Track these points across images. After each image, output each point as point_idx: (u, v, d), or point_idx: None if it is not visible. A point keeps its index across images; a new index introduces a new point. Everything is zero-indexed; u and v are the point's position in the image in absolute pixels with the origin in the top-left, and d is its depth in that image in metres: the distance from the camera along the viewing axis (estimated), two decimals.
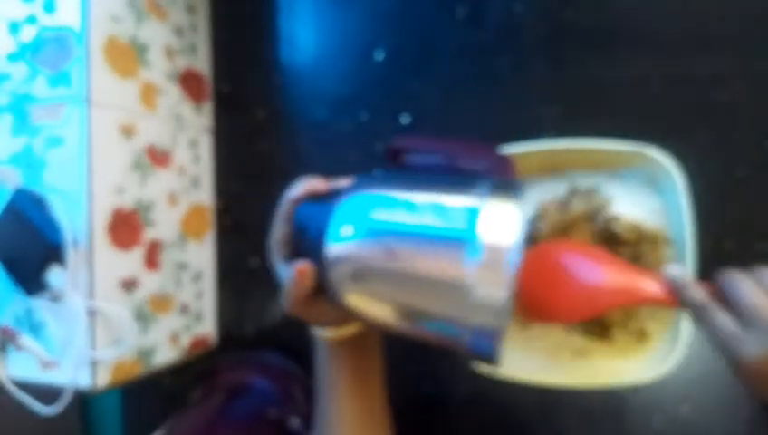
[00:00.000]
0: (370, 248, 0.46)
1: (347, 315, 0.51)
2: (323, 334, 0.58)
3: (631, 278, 0.57)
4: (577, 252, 0.61)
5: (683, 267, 0.59)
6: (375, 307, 0.48)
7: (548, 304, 0.61)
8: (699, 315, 0.51)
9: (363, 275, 0.47)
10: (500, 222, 0.42)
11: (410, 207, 0.46)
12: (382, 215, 0.47)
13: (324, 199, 0.52)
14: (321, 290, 0.50)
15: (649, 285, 0.56)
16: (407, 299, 0.46)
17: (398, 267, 0.45)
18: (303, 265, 0.50)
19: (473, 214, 0.43)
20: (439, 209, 0.45)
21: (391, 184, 0.49)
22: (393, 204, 0.47)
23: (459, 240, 0.42)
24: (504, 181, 0.46)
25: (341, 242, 0.48)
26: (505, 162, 0.51)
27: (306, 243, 0.51)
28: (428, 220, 0.45)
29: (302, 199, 0.55)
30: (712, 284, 0.52)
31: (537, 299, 0.62)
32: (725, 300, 0.49)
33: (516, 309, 0.63)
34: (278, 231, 0.56)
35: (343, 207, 0.49)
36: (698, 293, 0.51)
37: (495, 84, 0.77)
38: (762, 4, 0.68)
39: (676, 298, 0.53)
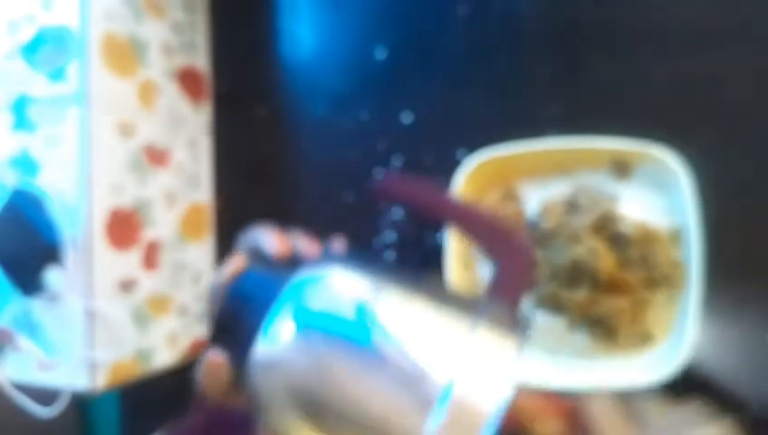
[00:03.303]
0: (304, 361, 0.35)
1: None
2: None
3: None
4: None
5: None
6: None
7: None
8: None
9: (296, 394, 0.35)
10: (483, 379, 0.32)
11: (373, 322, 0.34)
12: (334, 319, 0.35)
13: (279, 271, 0.39)
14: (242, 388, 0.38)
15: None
16: None
17: (336, 397, 0.34)
18: (216, 358, 0.39)
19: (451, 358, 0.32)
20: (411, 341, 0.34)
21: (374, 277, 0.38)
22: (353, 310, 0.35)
23: (424, 390, 0.32)
24: (507, 312, 0.36)
25: (272, 343, 0.36)
26: (518, 254, 0.41)
27: (236, 326, 0.39)
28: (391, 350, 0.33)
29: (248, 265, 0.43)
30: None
31: None
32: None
33: None
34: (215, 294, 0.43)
35: (292, 291, 0.37)
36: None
37: (498, 83, 0.75)
38: (765, 2, 0.66)
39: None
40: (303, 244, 0.42)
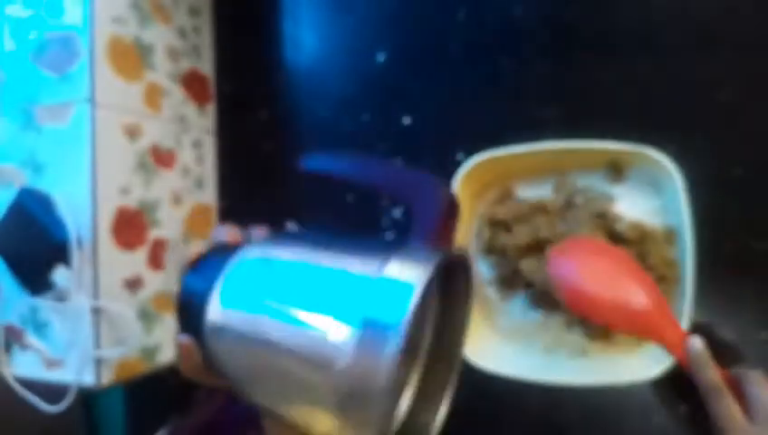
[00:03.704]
0: (245, 321, 0.39)
1: None
2: None
3: (661, 322, 0.58)
4: (627, 265, 0.61)
5: (702, 343, 0.58)
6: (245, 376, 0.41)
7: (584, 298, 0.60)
8: (711, 396, 0.52)
9: (236, 345, 0.40)
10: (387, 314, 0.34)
11: (301, 278, 0.39)
12: (265, 285, 0.40)
13: (226, 255, 0.43)
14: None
15: (672, 340, 0.57)
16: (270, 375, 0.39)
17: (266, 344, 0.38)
18: (185, 340, 0.43)
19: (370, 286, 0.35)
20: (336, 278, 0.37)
21: (292, 247, 0.42)
22: (283, 274, 0.40)
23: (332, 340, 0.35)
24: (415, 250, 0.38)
25: (221, 311, 0.40)
26: (430, 189, 0.43)
27: (192, 308, 0.43)
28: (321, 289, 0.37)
29: (201, 256, 0.46)
30: (728, 372, 0.53)
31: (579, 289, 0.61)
32: (739, 391, 0.51)
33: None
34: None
35: (234, 270, 0.42)
36: (715, 375, 0.52)
37: (496, 86, 0.76)
38: (758, 6, 0.66)
39: (692, 369, 0.55)
40: (254, 232, 0.47)
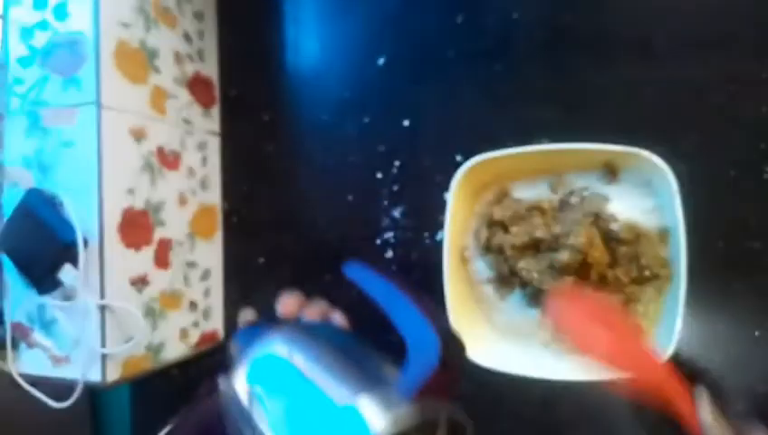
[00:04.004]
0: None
1: None
2: None
3: (670, 392, 0.57)
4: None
5: (712, 409, 0.57)
6: None
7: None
8: None
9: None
10: None
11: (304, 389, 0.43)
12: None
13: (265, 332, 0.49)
14: None
15: (683, 412, 0.56)
16: None
17: None
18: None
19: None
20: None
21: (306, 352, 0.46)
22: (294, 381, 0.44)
23: None
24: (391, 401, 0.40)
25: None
26: (428, 353, 0.43)
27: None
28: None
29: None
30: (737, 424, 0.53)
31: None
32: None
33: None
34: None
35: (260, 357, 0.47)
36: None
37: (493, 88, 0.76)
38: (749, 10, 0.67)
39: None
40: (310, 312, 0.52)
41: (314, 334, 0.49)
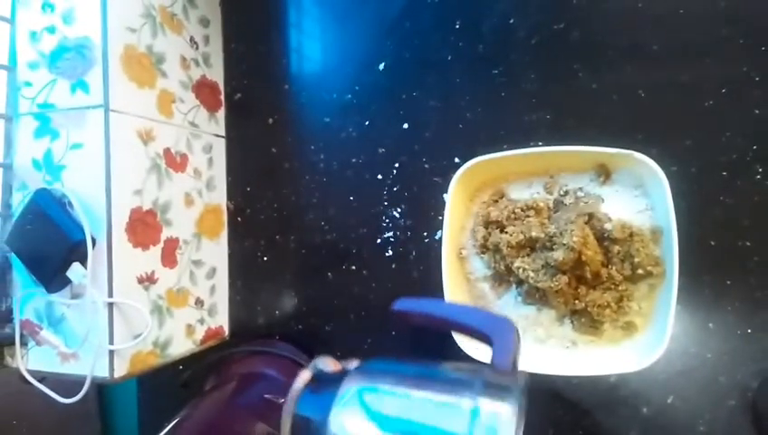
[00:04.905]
0: None
1: None
2: None
3: None
4: None
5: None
6: None
7: None
8: None
9: None
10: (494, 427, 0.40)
11: (410, 406, 0.44)
12: (384, 413, 0.44)
13: (328, 386, 0.48)
14: None
15: None
16: None
17: None
18: None
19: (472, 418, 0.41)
20: (438, 412, 0.43)
21: (393, 377, 0.47)
22: (395, 403, 0.45)
23: None
24: (500, 377, 0.44)
25: None
26: (506, 329, 0.49)
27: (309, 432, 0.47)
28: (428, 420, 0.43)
29: (305, 388, 0.51)
30: None
31: None
32: None
33: None
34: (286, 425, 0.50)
35: (345, 399, 0.46)
36: None
37: (491, 92, 0.77)
38: (735, 16, 0.68)
39: None
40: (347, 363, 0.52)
41: (382, 370, 0.50)
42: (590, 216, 0.65)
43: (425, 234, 0.78)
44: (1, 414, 0.90)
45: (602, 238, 0.65)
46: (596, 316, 0.65)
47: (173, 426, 0.71)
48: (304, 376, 0.50)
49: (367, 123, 0.83)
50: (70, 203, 0.67)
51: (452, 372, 0.47)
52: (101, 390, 0.99)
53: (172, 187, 0.78)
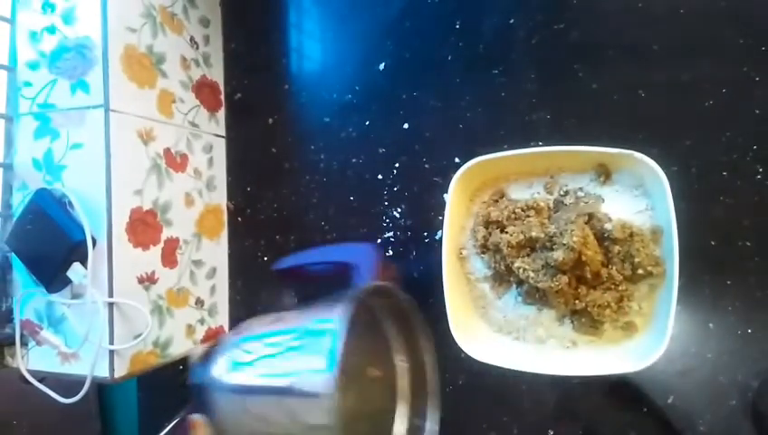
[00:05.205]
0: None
1: None
2: None
3: None
4: None
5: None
6: None
7: None
8: None
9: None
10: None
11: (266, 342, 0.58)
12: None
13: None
14: None
15: None
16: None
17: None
18: (196, 419, 0.58)
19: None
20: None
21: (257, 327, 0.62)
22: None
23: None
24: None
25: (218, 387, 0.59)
26: (367, 254, 0.64)
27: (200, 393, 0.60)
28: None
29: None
30: None
31: None
32: None
33: None
34: None
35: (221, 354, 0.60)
36: None
37: (491, 92, 0.76)
38: (735, 16, 0.67)
39: None
40: None
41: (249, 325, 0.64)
42: (591, 216, 0.65)
43: (425, 234, 0.78)
44: (1, 414, 0.90)
45: (602, 238, 0.65)
46: (596, 316, 0.65)
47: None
48: (197, 351, 0.63)
49: (367, 123, 0.82)
50: (70, 203, 0.67)
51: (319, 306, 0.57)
52: (101, 390, 0.99)
53: (172, 187, 0.78)
